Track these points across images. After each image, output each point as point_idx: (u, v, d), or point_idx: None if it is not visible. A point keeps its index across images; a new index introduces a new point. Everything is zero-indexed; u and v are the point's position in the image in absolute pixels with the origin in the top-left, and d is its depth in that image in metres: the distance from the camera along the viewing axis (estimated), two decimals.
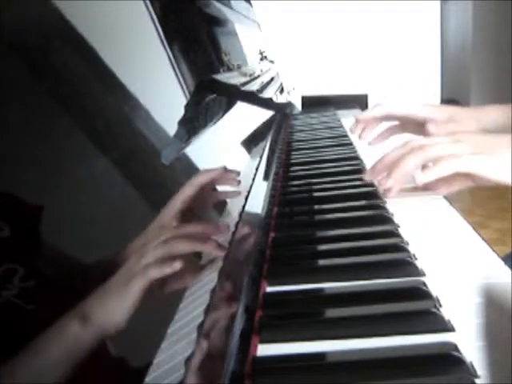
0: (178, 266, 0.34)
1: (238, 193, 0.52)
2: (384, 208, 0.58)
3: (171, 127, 0.48)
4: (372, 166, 0.62)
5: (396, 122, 0.83)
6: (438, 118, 0.72)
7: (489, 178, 0.54)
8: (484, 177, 0.53)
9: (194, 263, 0.39)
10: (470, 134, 0.57)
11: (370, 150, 0.86)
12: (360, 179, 0.70)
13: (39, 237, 0.33)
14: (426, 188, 0.63)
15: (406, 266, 0.44)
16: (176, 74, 0.56)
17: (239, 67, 0.91)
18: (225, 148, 0.67)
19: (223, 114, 0.69)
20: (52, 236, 0.33)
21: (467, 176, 0.58)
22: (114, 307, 0.33)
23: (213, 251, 0.39)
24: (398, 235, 0.51)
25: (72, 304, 0.33)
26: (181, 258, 0.35)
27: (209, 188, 0.49)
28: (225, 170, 0.51)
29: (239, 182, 0.52)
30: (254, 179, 0.58)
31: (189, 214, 0.42)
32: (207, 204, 0.50)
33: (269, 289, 0.43)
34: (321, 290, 0.43)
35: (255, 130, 0.84)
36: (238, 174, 0.52)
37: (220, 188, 0.51)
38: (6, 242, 0.31)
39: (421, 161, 0.55)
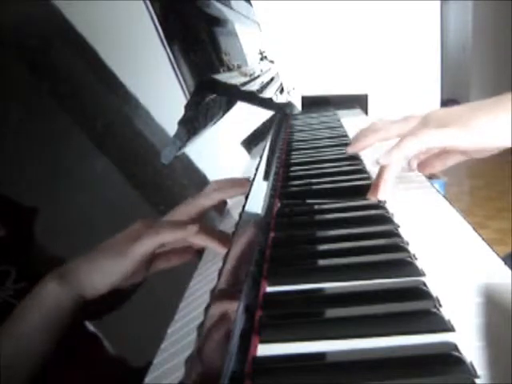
0: (194, 229, 0.34)
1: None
2: (384, 208, 0.58)
3: (171, 127, 0.48)
4: (352, 144, 0.70)
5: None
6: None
7: (460, 147, 0.56)
8: (455, 147, 0.56)
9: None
10: (435, 111, 0.60)
11: (369, 150, 0.86)
12: (360, 179, 0.70)
13: (33, 238, 0.33)
14: (422, 169, 0.66)
15: (406, 265, 0.44)
16: (176, 74, 0.56)
17: (239, 67, 0.91)
18: (225, 148, 0.67)
19: (223, 114, 0.69)
20: (51, 236, 0.33)
21: (456, 151, 0.60)
22: (99, 268, 0.31)
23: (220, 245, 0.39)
24: (398, 235, 0.51)
25: None
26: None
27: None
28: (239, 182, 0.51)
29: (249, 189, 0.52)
30: (254, 179, 0.58)
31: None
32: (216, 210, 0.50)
33: (269, 289, 0.43)
34: (321, 290, 0.43)
35: (255, 130, 0.84)
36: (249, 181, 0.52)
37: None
38: (0, 242, 0.31)
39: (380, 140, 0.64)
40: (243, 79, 0.82)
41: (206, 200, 0.44)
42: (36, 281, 0.31)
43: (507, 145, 0.55)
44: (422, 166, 0.68)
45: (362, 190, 0.64)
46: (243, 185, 0.51)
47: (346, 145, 0.89)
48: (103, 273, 0.32)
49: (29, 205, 0.33)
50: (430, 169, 0.66)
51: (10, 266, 0.31)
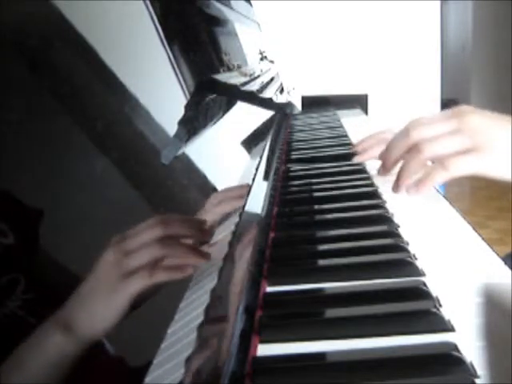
0: (177, 275, 0.33)
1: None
2: (384, 208, 0.58)
3: (171, 127, 0.48)
4: (382, 163, 0.62)
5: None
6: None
7: (489, 177, 0.52)
8: (485, 176, 0.52)
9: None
10: (471, 119, 0.54)
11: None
12: (360, 179, 0.70)
13: (38, 243, 0.32)
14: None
15: (406, 265, 0.44)
16: (176, 74, 0.56)
17: (239, 67, 0.91)
18: (225, 148, 0.67)
19: (223, 114, 0.69)
20: (51, 236, 0.33)
21: None
22: (98, 313, 0.31)
23: (200, 260, 0.37)
24: (398, 235, 0.51)
25: None
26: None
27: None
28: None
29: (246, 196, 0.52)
30: (254, 179, 0.58)
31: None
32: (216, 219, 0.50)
33: (269, 289, 0.43)
34: (321, 289, 0.43)
35: (255, 130, 0.84)
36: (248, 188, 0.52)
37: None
38: (11, 249, 0.30)
39: (420, 165, 0.55)
40: (243, 79, 0.82)
41: (208, 215, 0.45)
42: (39, 292, 0.31)
43: None
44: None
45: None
46: (243, 194, 0.51)
47: (346, 145, 0.89)
48: (103, 316, 0.31)
49: (33, 208, 0.32)
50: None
51: (20, 273, 0.30)
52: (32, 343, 0.29)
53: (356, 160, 0.75)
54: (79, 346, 0.30)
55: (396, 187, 0.57)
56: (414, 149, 0.55)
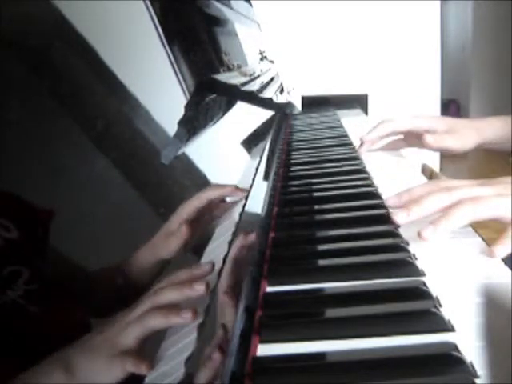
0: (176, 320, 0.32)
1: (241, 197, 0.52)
2: (384, 208, 0.58)
3: (171, 127, 0.48)
4: (398, 195, 0.56)
5: (399, 136, 0.84)
6: (438, 129, 0.74)
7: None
8: (508, 219, 0.49)
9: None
10: (500, 179, 0.53)
11: (370, 150, 0.86)
12: (360, 179, 0.70)
13: (47, 241, 0.33)
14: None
15: (406, 265, 0.44)
16: (176, 74, 0.55)
17: (239, 67, 0.91)
18: (225, 148, 0.67)
19: (223, 114, 0.69)
20: (51, 236, 0.33)
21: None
22: (101, 370, 0.31)
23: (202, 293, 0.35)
24: (398, 235, 0.51)
25: (72, 309, 0.32)
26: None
27: (216, 202, 0.49)
28: (235, 188, 0.51)
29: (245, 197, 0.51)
30: (254, 179, 0.58)
31: (194, 223, 0.42)
32: (212, 216, 0.50)
33: (269, 289, 0.43)
34: (321, 289, 0.43)
35: (255, 130, 0.84)
36: (247, 191, 0.52)
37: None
38: (13, 243, 0.31)
39: (443, 203, 0.51)
40: (243, 79, 0.82)
41: (198, 201, 0.45)
42: (42, 283, 0.31)
43: None
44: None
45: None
46: (239, 193, 0.51)
47: (346, 145, 0.90)
48: (102, 373, 0.31)
49: (42, 208, 0.33)
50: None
51: (22, 266, 0.31)
52: (31, 377, 0.29)
53: (361, 150, 0.81)
54: None
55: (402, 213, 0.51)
56: (443, 188, 0.52)
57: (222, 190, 0.50)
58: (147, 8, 0.53)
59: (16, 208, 0.32)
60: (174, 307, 0.32)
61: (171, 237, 0.40)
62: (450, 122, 0.76)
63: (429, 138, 0.70)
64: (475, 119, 0.78)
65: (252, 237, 0.47)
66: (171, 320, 0.32)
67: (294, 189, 0.71)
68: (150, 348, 0.32)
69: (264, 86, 0.94)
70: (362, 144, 0.84)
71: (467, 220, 0.49)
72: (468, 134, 0.73)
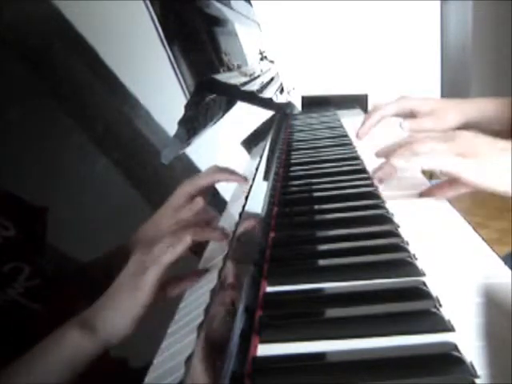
0: (188, 239, 0.34)
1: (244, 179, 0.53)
2: (384, 208, 0.58)
3: (171, 127, 0.48)
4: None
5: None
6: (421, 111, 0.74)
7: (467, 182, 0.54)
8: (463, 180, 0.54)
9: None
10: (466, 135, 0.58)
11: (370, 150, 0.86)
12: (360, 179, 0.70)
13: (44, 237, 0.33)
14: (431, 193, 0.65)
15: (406, 265, 0.44)
16: (176, 74, 0.55)
17: (239, 67, 0.91)
18: (225, 148, 0.67)
19: (223, 114, 0.69)
20: (51, 236, 0.33)
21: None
22: (122, 312, 0.32)
23: (218, 239, 0.40)
24: (398, 235, 0.51)
25: (74, 304, 0.32)
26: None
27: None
28: (236, 173, 0.52)
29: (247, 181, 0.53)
30: (254, 179, 0.58)
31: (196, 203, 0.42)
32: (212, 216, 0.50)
33: (269, 289, 0.43)
34: (321, 289, 0.43)
35: (255, 130, 0.84)
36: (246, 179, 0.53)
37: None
38: (11, 240, 0.31)
39: (407, 154, 0.58)
40: (243, 79, 0.82)
41: (204, 180, 0.45)
42: (44, 279, 0.31)
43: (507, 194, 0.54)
44: (433, 190, 0.66)
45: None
46: (241, 179, 0.53)
47: (346, 145, 0.90)
48: (122, 314, 0.32)
49: (36, 206, 0.33)
50: (441, 194, 0.65)
51: (22, 263, 0.31)
52: (49, 341, 0.30)
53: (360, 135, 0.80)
54: (100, 345, 0.31)
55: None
56: (407, 142, 0.60)
57: (227, 173, 0.52)
58: (147, 8, 0.53)
59: (11, 206, 0.32)
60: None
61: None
62: (435, 102, 0.76)
63: (405, 124, 0.72)
64: (462, 99, 0.78)
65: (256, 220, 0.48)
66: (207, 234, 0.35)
67: (294, 189, 0.71)
68: (150, 347, 0.32)
69: (264, 86, 0.94)
70: (358, 137, 0.83)
71: (427, 163, 0.56)
72: (451, 113, 0.73)
